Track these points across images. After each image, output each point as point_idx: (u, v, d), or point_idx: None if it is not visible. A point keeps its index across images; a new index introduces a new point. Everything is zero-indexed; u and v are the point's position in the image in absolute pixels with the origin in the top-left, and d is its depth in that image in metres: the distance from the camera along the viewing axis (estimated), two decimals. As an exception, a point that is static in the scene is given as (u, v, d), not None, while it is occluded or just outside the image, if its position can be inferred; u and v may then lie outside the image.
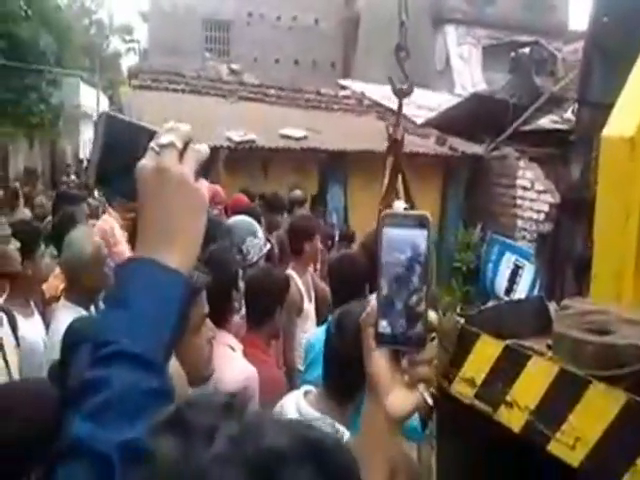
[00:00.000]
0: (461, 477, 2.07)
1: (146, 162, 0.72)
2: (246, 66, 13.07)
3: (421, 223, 0.71)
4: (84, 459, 0.59)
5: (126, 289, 0.68)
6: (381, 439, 0.74)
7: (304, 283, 3.23)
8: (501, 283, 7.50)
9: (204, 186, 0.76)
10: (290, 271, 3.24)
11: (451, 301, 7.63)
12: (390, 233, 0.72)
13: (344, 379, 1.40)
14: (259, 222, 4.08)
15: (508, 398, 1.72)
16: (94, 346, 0.66)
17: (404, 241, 0.71)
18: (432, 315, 0.73)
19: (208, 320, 1.42)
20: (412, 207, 4.19)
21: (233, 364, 1.80)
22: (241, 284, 2.07)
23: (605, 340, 1.63)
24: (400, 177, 4.24)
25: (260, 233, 2.93)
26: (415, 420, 2.04)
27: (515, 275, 7.24)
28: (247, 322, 2.30)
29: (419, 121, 9.46)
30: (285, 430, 0.48)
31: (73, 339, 1.47)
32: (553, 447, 1.54)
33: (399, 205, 4.17)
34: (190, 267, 0.73)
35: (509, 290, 7.14)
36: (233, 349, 1.90)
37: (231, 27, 17.16)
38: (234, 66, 12.48)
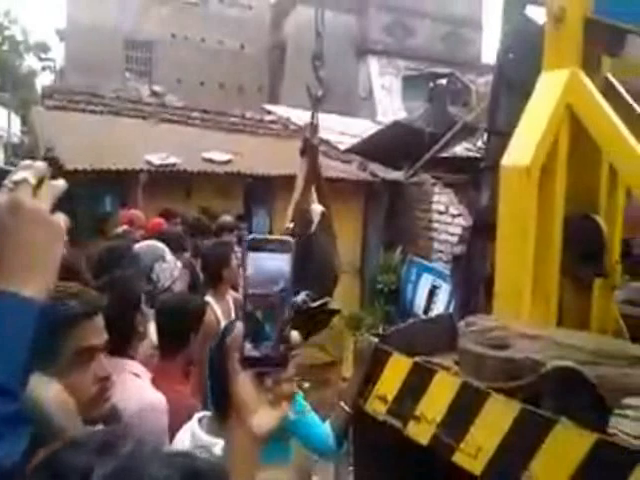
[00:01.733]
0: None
1: None
2: (169, 88, 12.90)
3: (284, 248, 0.75)
4: None
5: None
6: (245, 461, 0.77)
7: (223, 309, 3.20)
8: (420, 303, 7.78)
9: (61, 218, 0.80)
10: (208, 298, 3.21)
11: (373, 321, 7.80)
12: (256, 258, 0.74)
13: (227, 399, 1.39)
14: (182, 245, 4.00)
15: (416, 412, 1.79)
16: None
17: (270, 265, 0.74)
18: (294, 335, 0.77)
19: (103, 359, 1.30)
20: (328, 209, 4.30)
21: (134, 392, 1.74)
22: (146, 309, 2.01)
23: (504, 354, 1.74)
24: (316, 181, 4.34)
25: (169, 256, 2.83)
26: (330, 438, 2.06)
27: (432, 295, 7.53)
28: (160, 351, 2.22)
29: (342, 147, 9.70)
30: (162, 462, 0.51)
31: None
32: (457, 457, 1.62)
33: (316, 208, 4.26)
34: (46, 295, 0.77)
35: (427, 310, 7.40)
36: (138, 376, 1.85)
37: (154, 48, 16.89)
38: (156, 87, 12.30)
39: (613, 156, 2.28)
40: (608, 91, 2.49)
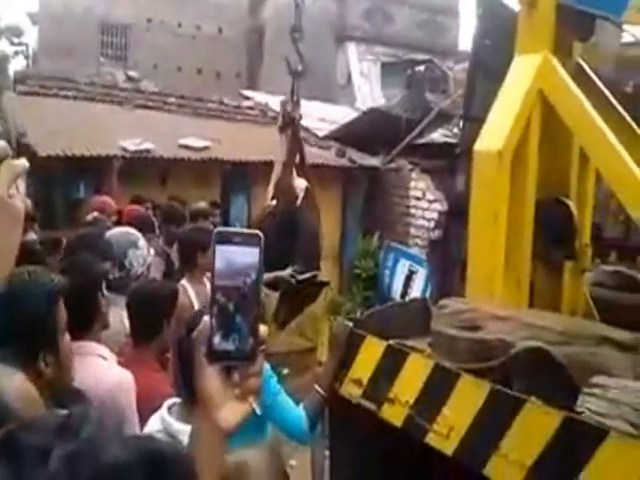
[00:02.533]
0: (356, 476, 2.14)
1: None
2: (145, 73, 12.67)
3: (253, 241, 0.74)
4: None
5: None
6: (210, 453, 0.76)
7: (200, 293, 3.18)
8: (397, 288, 7.86)
9: (18, 202, 0.78)
10: (184, 282, 3.19)
11: (352, 306, 7.85)
12: (224, 250, 0.73)
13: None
14: (153, 228, 3.97)
15: (390, 395, 1.81)
16: None
17: (238, 258, 0.73)
18: (262, 328, 0.76)
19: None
20: (311, 184, 4.30)
21: (100, 374, 1.73)
22: (110, 294, 1.99)
23: (475, 336, 1.77)
24: (298, 156, 4.34)
25: (142, 243, 2.77)
26: (303, 422, 2.08)
27: (409, 280, 7.61)
28: (133, 338, 2.21)
29: (321, 133, 9.67)
30: (123, 445, 0.50)
31: None
32: (430, 438, 1.64)
33: (300, 183, 4.25)
34: (4, 276, 0.76)
35: (404, 294, 7.48)
36: (104, 358, 1.84)
37: (129, 32, 16.55)
38: (131, 73, 12.08)
39: (584, 140, 2.31)
40: (579, 76, 2.52)
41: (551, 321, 1.75)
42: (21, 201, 0.79)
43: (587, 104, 2.29)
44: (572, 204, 2.44)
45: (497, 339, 1.67)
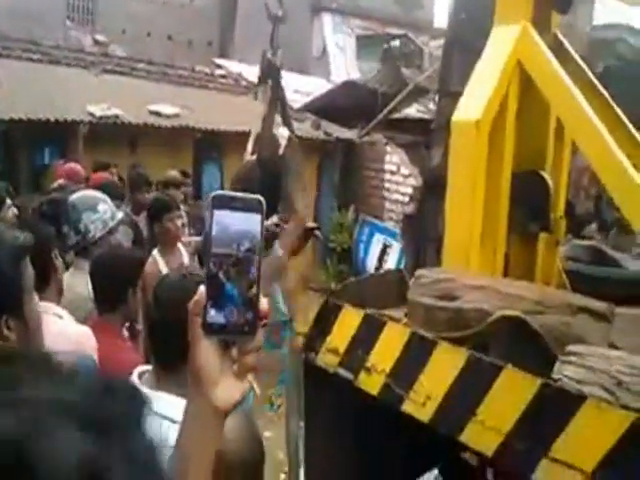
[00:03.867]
0: (330, 446, 2.15)
1: None
2: (113, 39, 12.24)
3: (254, 206, 0.69)
4: None
5: None
6: (206, 431, 0.71)
7: (172, 262, 3.12)
8: (371, 262, 7.89)
9: None
10: (154, 253, 3.15)
11: (326, 280, 7.87)
12: (221, 215, 0.68)
13: (167, 353, 1.36)
14: (119, 194, 3.85)
15: (367, 364, 1.81)
16: None
17: (236, 224, 0.68)
18: (263, 301, 0.70)
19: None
20: (292, 133, 4.26)
21: (58, 332, 1.67)
22: (69, 256, 1.93)
23: (452, 305, 1.77)
24: (279, 104, 4.31)
25: (102, 207, 2.67)
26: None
27: (384, 254, 7.65)
28: (97, 305, 2.14)
29: (296, 105, 9.52)
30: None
31: None
32: (407, 406, 1.64)
33: (283, 132, 4.22)
34: None
35: (378, 268, 7.51)
36: (60, 317, 1.79)
37: (96, -5, 15.94)
38: (99, 37, 11.65)
39: (561, 112, 2.30)
40: (557, 48, 2.50)
41: (527, 290, 1.76)
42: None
43: (565, 76, 2.28)
44: (548, 176, 2.45)
45: (474, 308, 1.68)
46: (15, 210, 3.16)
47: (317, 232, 4.17)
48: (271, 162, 3.97)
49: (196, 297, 0.69)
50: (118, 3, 15.66)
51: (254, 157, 4.14)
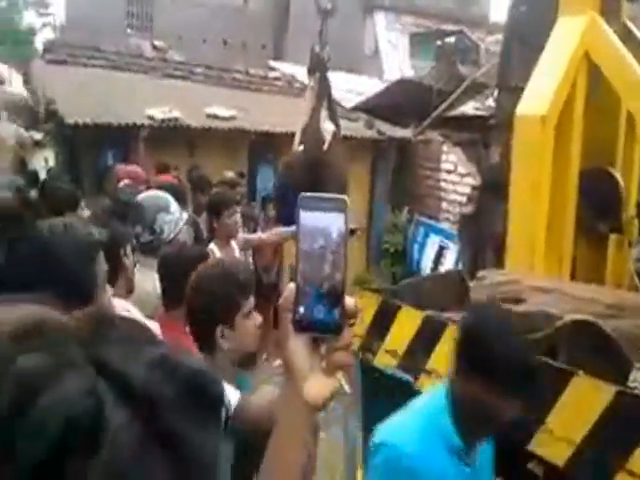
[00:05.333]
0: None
1: None
2: (171, 44, 12.59)
3: (339, 207, 0.71)
4: None
5: None
6: (299, 425, 0.73)
7: (226, 256, 3.21)
8: (427, 264, 7.74)
9: None
10: (211, 246, 3.27)
11: (378, 282, 7.80)
12: (308, 217, 0.70)
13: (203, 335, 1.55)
14: (184, 201, 3.97)
15: (427, 367, 1.77)
16: None
17: (323, 226, 0.70)
18: (350, 301, 0.72)
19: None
20: (338, 128, 4.25)
21: None
22: (139, 255, 2.00)
23: (518, 308, 1.70)
24: (327, 99, 4.32)
25: (173, 208, 2.76)
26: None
27: (440, 256, 7.49)
28: (164, 302, 2.21)
29: (348, 105, 9.50)
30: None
31: None
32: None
33: (328, 127, 4.23)
34: None
35: (434, 270, 7.36)
36: (128, 311, 1.85)
37: (155, 3, 16.45)
38: (158, 43, 12.00)
39: (633, 106, 2.19)
40: (627, 39, 2.38)
41: (597, 293, 1.67)
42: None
43: (637, 68, 2.16)
44: (618, 174, 2.34)
45: (542, 311, 1.61)
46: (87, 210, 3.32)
47: (357, 231, 4.17)
48: (315, 157, 4.00)
49: (286, 293, 0.72)
50: (175, 10, 16.13)
51: (301, 148, 4.19)
